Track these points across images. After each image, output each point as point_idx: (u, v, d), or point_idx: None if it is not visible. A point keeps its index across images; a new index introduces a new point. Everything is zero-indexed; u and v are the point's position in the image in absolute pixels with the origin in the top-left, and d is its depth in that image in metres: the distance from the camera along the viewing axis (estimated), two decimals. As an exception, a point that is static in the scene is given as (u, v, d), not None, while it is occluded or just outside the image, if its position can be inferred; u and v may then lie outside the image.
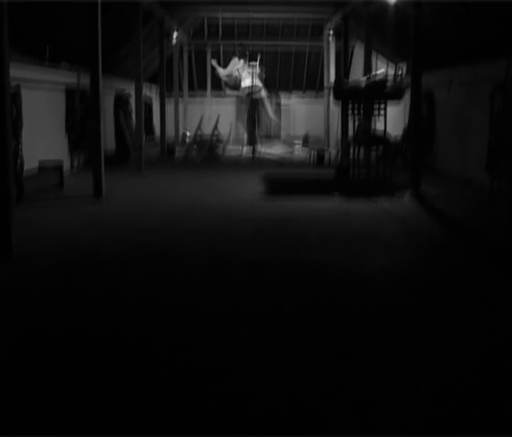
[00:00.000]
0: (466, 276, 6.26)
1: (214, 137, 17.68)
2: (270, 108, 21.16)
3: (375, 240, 7.73)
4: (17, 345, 4.43)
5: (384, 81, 12.17)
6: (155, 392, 3.70)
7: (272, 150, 19.16)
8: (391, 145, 12.88)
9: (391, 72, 13.85)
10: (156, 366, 4.10)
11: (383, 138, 12.31)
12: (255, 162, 16.16)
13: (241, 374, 3.97)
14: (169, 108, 19.36)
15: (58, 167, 11.68)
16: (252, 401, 3.60)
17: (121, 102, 17.16)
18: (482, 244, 7.68)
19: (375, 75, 13.13)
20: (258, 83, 19.66)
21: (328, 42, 20.31)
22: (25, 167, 10.98)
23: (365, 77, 13.38)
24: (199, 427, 3.32)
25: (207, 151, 16.78)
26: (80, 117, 14.25)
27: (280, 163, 16.15)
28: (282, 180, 13.31)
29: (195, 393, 3.70)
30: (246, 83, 19.69)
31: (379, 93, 12.11)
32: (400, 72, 12.67)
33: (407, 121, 14.66)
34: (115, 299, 5.47)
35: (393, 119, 14.41)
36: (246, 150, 18.23)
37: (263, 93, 20.27)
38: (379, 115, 12.43)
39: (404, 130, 15.70)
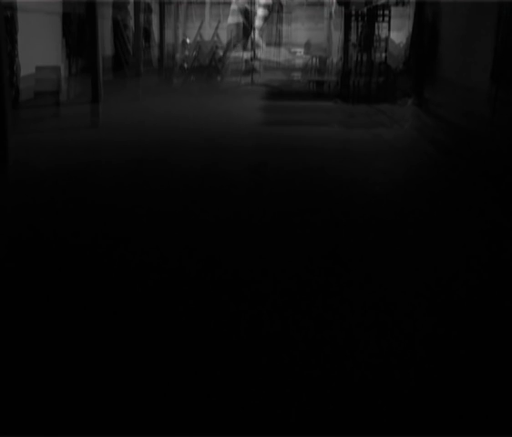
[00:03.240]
0: (469, 183, 6.24)
1: (213, 62, 17.25)
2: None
3: (376, 145, 7.68)
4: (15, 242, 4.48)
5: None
6: (158, 290, 3.76)
7: (274, 57, 18.78)
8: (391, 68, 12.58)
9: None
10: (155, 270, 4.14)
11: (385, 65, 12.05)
12: (254, 87, 15.81)
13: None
14: (169, 14, 18.87)
15: (55, 73, 11.47)
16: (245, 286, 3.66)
17: (119, 8, 16.69)
18: (483, 150, 7.63)
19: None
20: None
21: None
22: (22, 73, 10.79)
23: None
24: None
25: (206, 77, 16.44)
26: (77, 25, 13.88)
27: (279, 90, 15.84)
28: (282, 106, 12.90)
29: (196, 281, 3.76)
30: None
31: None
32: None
33: (411, 28, 14.31)
34: (110, 206, 5.48)
35: (397, 26, 14.06)
36: (246, 56, 17.85)
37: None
38: (383, 21, 12.11)
39: (408, 38, 15.34)
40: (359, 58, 12.24)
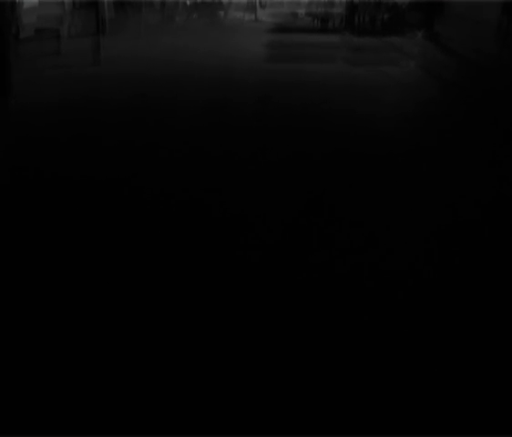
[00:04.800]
0: (476, 119, 6.13)
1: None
2: None
3: (385, 78, 7.52)
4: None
5: None
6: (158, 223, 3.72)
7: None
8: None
9: None
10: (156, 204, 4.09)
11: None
12: (258, 23, 15.37)
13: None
14: None
15: (59, 8, 11.16)
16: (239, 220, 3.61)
17: None
18: (492, 85, 7.47)
19: None
20: None
21: None
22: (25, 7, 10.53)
23: None
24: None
25: (209, 13, 15.99)
26: None
27: (284, 26, 15.42)
28: (287, 42, 12.55)
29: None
30: None
31: None
32: None
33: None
34: (113, 139, 5.39)
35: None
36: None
37: None
38: None
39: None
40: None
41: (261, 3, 16.59)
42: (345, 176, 4.41)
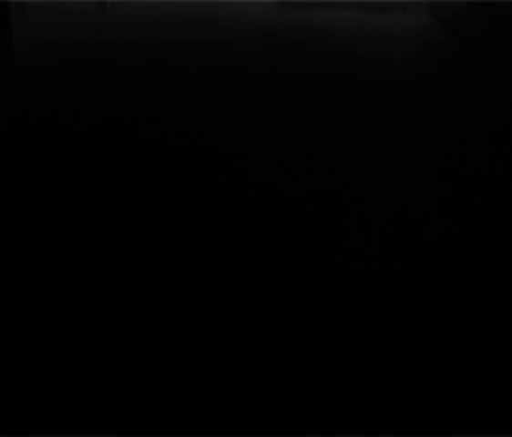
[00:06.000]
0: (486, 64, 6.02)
1: None
2: None
3: (394, 23, 7.39)
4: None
5: None
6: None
7: None
8: None
9: None
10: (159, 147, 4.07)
11: None
12: None
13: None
14: None
15: None
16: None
17: None
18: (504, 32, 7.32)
19: None
20: None
21: None
22: None
23: None
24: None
25: None
26: None
27: None
28: None
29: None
30: None
31: None
32: None
33: None
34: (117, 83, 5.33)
35: None
36: None
37: None
38: None
39: None
40: None
41: None
42: (347, 118, 4.37)
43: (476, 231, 2.90)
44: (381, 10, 8.54)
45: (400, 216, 3.03)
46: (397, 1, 9.88)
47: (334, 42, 6.56)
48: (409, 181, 3.41)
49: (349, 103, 4.68)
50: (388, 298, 2.34)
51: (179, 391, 1.88)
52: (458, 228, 2.92)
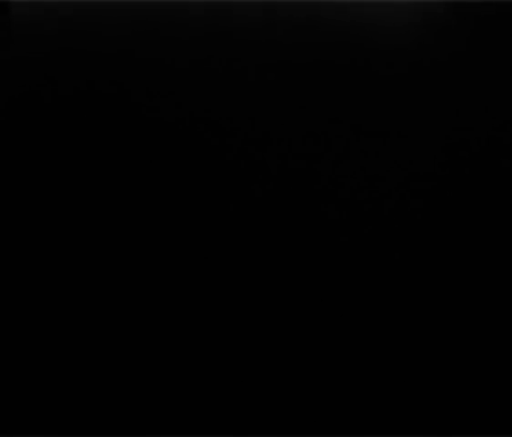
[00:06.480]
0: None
1: None
2: None
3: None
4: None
5: None
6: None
7: None
8: None
9: None
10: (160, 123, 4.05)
11: None
12: None
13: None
14: None
15: None
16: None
17: None
18: None
19: None
20: None
21: None
22: None
23: None
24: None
25: None
26: None
27: None
28: None
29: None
30: None
31: None
32: None
33: None
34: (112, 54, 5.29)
35: None
36: None
37: None
38: None
39: None
40: None
41: None
42: (348, 84, 4.34)
43: (476, 212, 2.89)
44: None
45: (403, 189, 3.01)
46: None
47: (333, 14, 6.50)
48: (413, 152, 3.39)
49: (348, 71, 4.65)
50: (388, 297, 2.34)
51: (179, 391, 1.90)
52: (459, 208, 2.92)
